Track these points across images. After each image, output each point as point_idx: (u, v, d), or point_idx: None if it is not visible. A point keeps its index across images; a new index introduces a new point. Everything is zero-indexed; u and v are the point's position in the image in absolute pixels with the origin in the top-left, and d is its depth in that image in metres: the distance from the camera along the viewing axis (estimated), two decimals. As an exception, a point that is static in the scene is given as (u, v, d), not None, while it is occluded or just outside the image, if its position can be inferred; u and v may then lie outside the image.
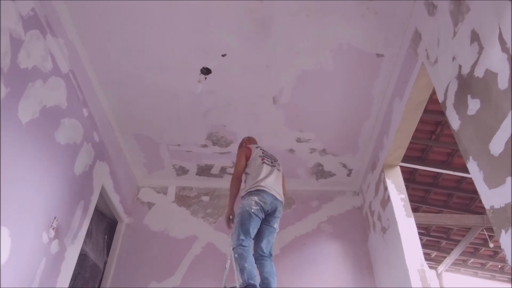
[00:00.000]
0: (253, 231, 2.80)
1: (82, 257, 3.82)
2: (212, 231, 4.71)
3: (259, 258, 2.81)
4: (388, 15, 3.01)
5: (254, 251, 2.84)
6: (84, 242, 3.79)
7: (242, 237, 2.71)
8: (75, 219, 3.42)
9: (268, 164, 3.12)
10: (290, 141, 4.37)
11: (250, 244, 2.75)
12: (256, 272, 2.60)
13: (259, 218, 2.85)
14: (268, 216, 2.94)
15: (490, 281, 9.01)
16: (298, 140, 4.37)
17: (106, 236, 4.51)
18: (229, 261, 3.18)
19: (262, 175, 2.99)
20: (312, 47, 3.28)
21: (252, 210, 2.80)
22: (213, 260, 4.39)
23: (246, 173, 3.13)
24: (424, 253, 3.96)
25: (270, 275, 2.71)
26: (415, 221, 3.68)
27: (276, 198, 2.97)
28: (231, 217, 3.00)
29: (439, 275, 8.65)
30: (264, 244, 2.85)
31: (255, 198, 2.86)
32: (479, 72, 2.12)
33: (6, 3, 2.40)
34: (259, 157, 3.15)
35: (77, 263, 3.60)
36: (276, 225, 2.98)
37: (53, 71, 2.96)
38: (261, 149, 3.29)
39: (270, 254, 2.87)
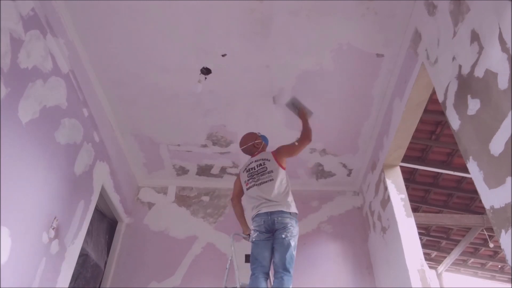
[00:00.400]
0: (260, 255, 2.84)
1: (84, 257, 3.82)
2: (212, 231, 4.71)
3: (275, 275, 2.77)
4: (388, 15, 3.01)
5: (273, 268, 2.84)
6: (86, 242, 3.79)
7: (251, 269, 2.85)
8: (75, 219, 3.42)
9: (253, 186, 3.08)
10: (290, 141, 4.34)
11: (261, 269, 2.80)
12: None
13: (262, 240, 2.88)
14: (273, 231, 2.90)
15: (490, 281, 9.01)
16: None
17: (107, 236, 4.51)
18: (229, 261, 3.19)
19: (251, 202, 3.10)
20: (312, 47, 3.28)
21: (254, 239, 2.94)
22: (213, 260, 4.39)
23: None
24: (424, 253, 3.96)
25: None
26: (415, 221, 3.68)
27: (268, 213, 2.90)
28: (249, 233, 3.10)
29: (439, 275, 8.66)
30: (276, 259, 2.80)
31: (252, 225, 3.00)
32: (479, 72, 2.12)
33: (6, 3, 2.40)
34: (244, 183, 3.19)
35: (78, 263, 3.60)
36: (284, 235, 2.82)
37: (53, 71, 2.96)
38: (246, 170, 3.22)
39: (284, 269, 2.73)
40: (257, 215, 2.96)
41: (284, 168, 3.14)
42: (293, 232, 2.86)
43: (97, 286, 4.16)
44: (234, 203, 3.32)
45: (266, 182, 3.04)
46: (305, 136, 3.25)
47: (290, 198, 3.02)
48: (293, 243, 2.81)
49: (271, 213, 2.90)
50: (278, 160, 3.14)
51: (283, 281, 2.68)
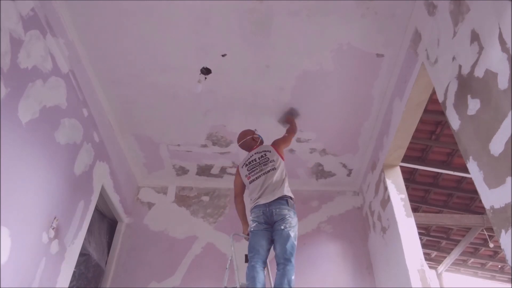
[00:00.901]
0: (258, 244, 2.89)
1: (85, 257, 3.83)
2: (212, 231, 4.71)
3: (277, 266, 2.78)
4: (388, 15, 3.01)
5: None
6: (88, 242, 3.80)
7: (249, 257, 2.90)
8: (75, 219, 3.42)
9: (256, 178, 3.15)
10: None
11: (258, 258, 2.84)
12: (257, 284, 2.70)
13: (261, 230, 2.94)
14: (272, 223, 2.95)
15: (490, 281, 9.01)
16: (298, 140, 4.37)
17: (107, 236, 4.51)
18: (229, 261, 3.19)
19: (251, 193, 3.17)
20: (312, 47, 3.28)
21: (252, 229, 3.00)
22: (213, 260, 4.39)
23: None
24: (424, 253, 3.96)
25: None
26: (415, 221, 3.68)
27: (267, 205, 2.97)
28: (248, 233, 3.13)
29: (439, 275, 8.66)
30: (277, 250, 2.82)
31: (251, 216, 3.06)
32: (479, 72, 2.12)
33: (6, 3, 2.40)
34: (245, 177, 3.26)
35: (80, 263, 3.60)
36: (283, 226, 2.87)
37: (53, 71, 2.96)
38: (246, 165, 3.29)
39: (286, 259, 2.76)
40: (256, 207, 3.03)
41: (283, 159, 3.29)
42: (292, 223, 2.91)
43: (98, 286, 4.16)
44: (237, 200, 3.34)
45: (269, 171, 3.13)
46: (293, 129, 3.71)
47: (286, 184, 3.12)
48: (292, 233, 2.87)
49: (269, 204, 2.97)
50: (278, 151, 3.28)
51: (286, 271, 2.72)
